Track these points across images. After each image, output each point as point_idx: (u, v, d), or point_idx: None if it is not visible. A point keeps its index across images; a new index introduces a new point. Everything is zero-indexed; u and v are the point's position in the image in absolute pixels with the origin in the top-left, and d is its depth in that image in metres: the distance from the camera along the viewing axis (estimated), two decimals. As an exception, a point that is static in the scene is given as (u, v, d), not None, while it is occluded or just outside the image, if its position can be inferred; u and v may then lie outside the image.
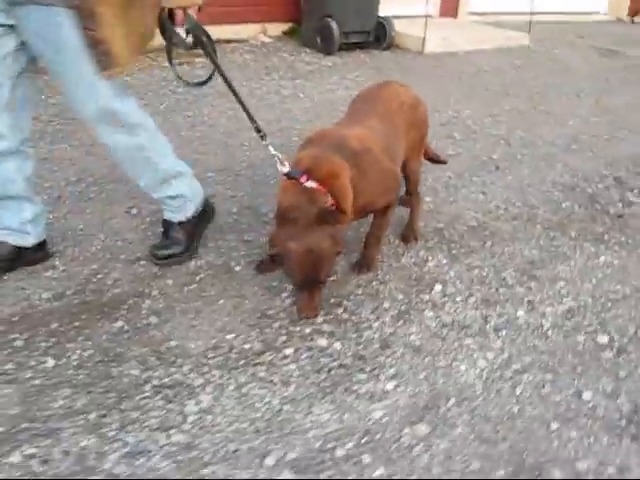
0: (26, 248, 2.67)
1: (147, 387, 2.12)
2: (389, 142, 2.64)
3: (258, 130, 2.51)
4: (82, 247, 2.88)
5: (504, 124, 4.91)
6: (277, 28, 6.45)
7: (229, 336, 2.36)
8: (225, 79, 2.46)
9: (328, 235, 2.25)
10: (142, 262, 2.78)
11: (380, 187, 2.53)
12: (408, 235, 3.07)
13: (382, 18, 6.36)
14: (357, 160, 2.41)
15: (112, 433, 1.93)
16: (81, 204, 3.26)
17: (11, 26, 2.26)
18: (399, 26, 6.66)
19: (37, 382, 2.12)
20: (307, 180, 2.29)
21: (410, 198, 3.05)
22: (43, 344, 2.29)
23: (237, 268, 2.78)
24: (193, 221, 2.77)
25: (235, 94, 2.49)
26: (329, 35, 5.92)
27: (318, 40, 6.01)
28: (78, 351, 2.26)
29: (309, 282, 2.26)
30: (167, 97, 4.88)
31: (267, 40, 6.24)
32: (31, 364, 2.19)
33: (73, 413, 2.01)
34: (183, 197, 2.70)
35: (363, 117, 2.71)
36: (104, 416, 1.99)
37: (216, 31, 5.39)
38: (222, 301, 2.56)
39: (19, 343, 2.29)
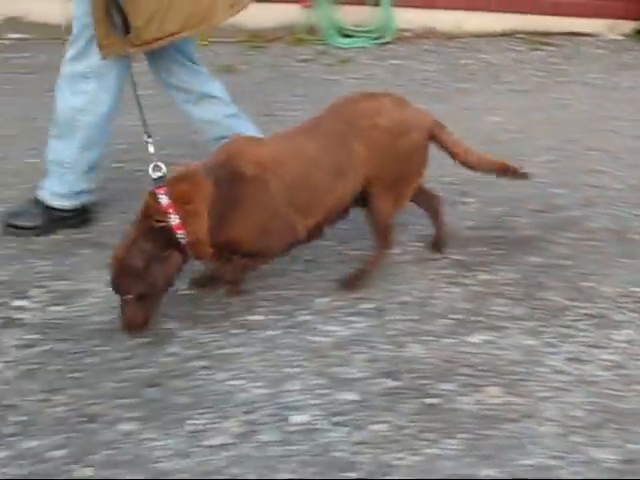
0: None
1: (571, 313, 2.45)
2: (315, 174, 2.24)
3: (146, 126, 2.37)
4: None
5: None
6: (626, 26, 6.42)
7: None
8: None
9: (141, 251, 2.09)
10: (545, 214, 3.11)
11: (252, 228, 2.20)
12: (348, 281, 2.52)
13: None
14: (235, 187, 2.14)
15: (552, 340, 2.29)
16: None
17: None
18: None
19: (476, 289, 2.55)
20: (163, 193, 2.12)
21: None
22: (480, 259, 2.72)
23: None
24: None
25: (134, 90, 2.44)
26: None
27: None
28: (503, 272, 2.65)
29: (115, 292, 2.16)
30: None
31: (616, 37, 6.27)
32: (468, 274, 2.63)
33: (512, 318, 2.41)
34: None
35: (303, 131, 2.34)
36: (542, 326, 2.36)
37: (563, 23, 5.63)
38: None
39: (457, 257, 2.74)
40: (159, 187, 2.14)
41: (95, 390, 2.04)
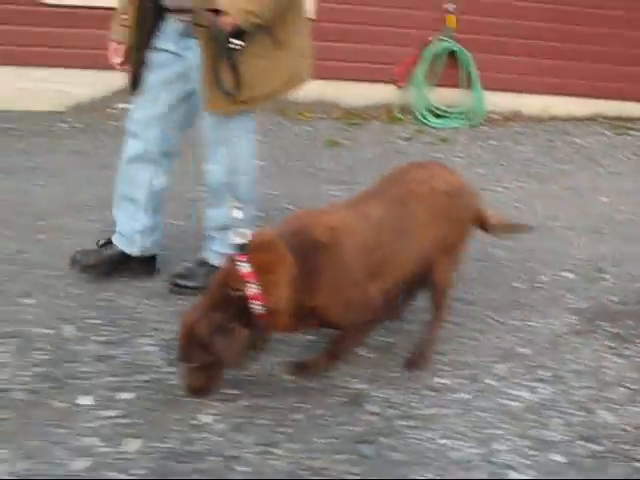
0: (131, 257, 2.88)
1: None
2: (384, 238, 2.22)
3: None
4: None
5: None
6: None
7: None
8: None
9: (210, 321, 2.02)
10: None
11: (336, 297, 2.13)
12: (415, 361, 2.45)
13: None
14: (314, 254, 2.08)
15: None
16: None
17: (177, 54, 2.59)
18: None
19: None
20: (243, 262, 2.06)
21: (431, 317, 2.50)
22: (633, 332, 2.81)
23: None
24: None
25: None
26: None
27: None
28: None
29: (179, 359, 2.14)
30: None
31: None
32: (628, 346, 2.73)
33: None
34: None
35: (365, 199, 2.32)
36: None
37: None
38: None
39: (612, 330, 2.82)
40: (241, 255, 2.08)
41: (309, 445, 2.08)
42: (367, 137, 5.29)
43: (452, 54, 5.66)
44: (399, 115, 5.64)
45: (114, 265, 2.88)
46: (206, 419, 2.17)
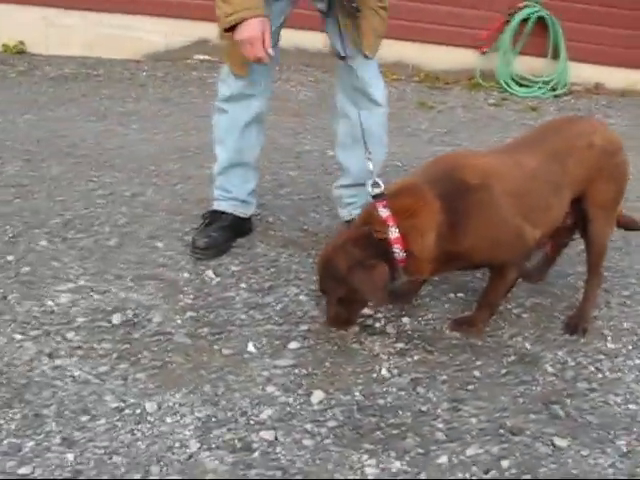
0: (244, 219, 2.73)
1: None
2: (536, 188, 2.14)
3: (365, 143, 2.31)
4: None
5: None
6: None
7: None
8: None
9: (348, 255, 2.00)
10: None
11: (485, 239, 2.05)
12: (574, 324, 2.36)
13: None
14: (462, 197, 2.01)
15: None
16: None
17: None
18: None
19: None
20: (384, 207, 2.02)
21: (587, 274, 2.43)
22: None
23: None
24: None
25: None
26: None
27: None
28: None
29: (320, 290, 2.16)
30: None
31: None
32: None
33: None
34: None
35: (518, 147, 2.26)
36: None
37: None
38: None
39: None
40: (380, 201, 2.04)
41: (496, 404, 2.00)
42: (454, 101, 5.16)
43: (539, 21, 5.49)
44: (481, 81, 5.50)
45: (235, 232, 2.73)
46: (385, 373, 2.08)
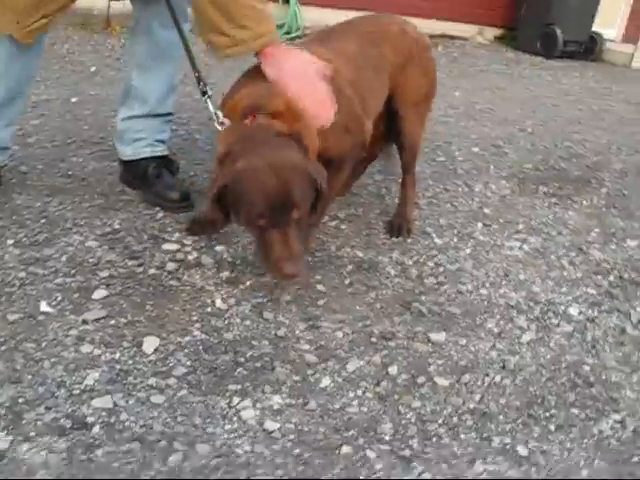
0: None
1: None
2: (362, 75, 1.96)
3: (199, 82, 1.87)
4: None
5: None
6: (490, 32, 7.07)
7: None
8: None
9: (296, 150, 1.65)
10: None
11: (339, 130, 1.82)
12: (397, 226, 2.23)
13: (594, 32, 6.86)
14: None
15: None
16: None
17: None
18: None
19: None
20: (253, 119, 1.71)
21: (402, 175, 2.31)
22: None
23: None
24: None
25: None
26: (553, 41, 6.51)
27: (538, 45, 6.61)
28: None
29: (278, 211, 1.56)
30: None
31: (483, 41, 6.88)
32: None
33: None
34: None
35: (335, 37, 2.05)
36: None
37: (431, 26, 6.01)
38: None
39: None
40: (244, 118, 1.71)
41: (353, 314, 1.75)
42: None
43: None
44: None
45: None
46: (220, 304, 1.72)
